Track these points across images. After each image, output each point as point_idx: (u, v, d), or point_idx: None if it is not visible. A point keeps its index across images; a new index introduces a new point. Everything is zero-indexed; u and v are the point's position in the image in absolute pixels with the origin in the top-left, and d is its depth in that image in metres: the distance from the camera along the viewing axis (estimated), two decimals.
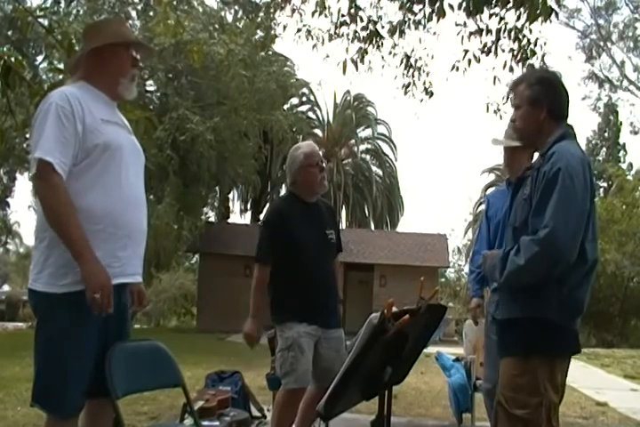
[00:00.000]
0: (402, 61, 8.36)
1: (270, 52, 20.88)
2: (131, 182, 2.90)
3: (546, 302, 2.65)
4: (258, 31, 15.53)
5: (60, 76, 5.46)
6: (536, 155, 4.23)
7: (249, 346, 4.29)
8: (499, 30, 7.23)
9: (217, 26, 20.01)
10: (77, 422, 2.82)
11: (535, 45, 7.27)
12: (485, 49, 7.46)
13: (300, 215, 4.31)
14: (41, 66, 18.82)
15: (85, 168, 2.75)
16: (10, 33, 17.13)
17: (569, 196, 2.59)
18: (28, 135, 19.79)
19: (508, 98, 8.01)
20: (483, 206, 33.68)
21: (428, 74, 8.47)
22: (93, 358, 2.75)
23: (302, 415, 4.19)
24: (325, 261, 4.33)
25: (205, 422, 4.11)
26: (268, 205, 26.89)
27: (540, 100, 2.82)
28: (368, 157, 33.45)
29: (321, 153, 4.50)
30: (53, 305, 2.71)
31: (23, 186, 67.70)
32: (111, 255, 2.76)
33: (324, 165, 4.39)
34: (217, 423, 4.37)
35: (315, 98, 32.54)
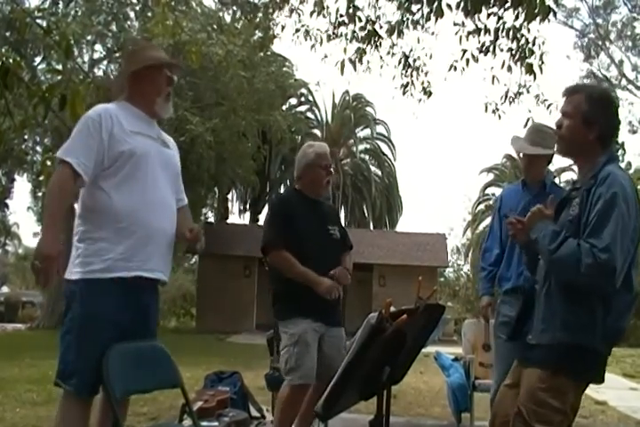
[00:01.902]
0: (400, 61, 8.36)
1: (269, 53, 20.86)
2: (156, 187, 3.19)
3: (591, 331, 2.60)
4: (256, 32, 15.52)
5: (59, 77, 5.46)
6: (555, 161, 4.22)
7: (334, 294, 4.10)
8: (497, 30, 7.22)
9: (215, 26, 20.00)
10: (89, 405, 3.02)
11: (533, 45, 7.27)
12: (484, 49, 7.46)
13: (304, 209, 4.34)
14: (39, 67, 18.84)
15: (113, 172, 3.07)
16: (8, 34, 17.11)
17: (625, 221, 2.55)
18: (26, 137, 19.85)
19: (506, 98, 8.02)
20: (481, 206, 33.55)
21: (426, 74, 8.47)
22: (108, 344, 2.92)
23: (302, 415, 4.19)
24: (329, 256, 4.30)
25: (204, 423, 4.11)
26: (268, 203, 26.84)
27: (595, 122, 2.75)
28: (367, 156, 33.45)
29: (329, 152, 4.53)
30: (79, 290, 3.01)
31: (22, 187, 67.68)
32: (132, 251, 3.06)
33: (331, 169, 4.44)
34: (216, 424, 4.36)
35: (313, 98, 32.59)
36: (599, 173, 2.66)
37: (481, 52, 7.48)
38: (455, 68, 7.74)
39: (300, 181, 4.46)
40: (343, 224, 4.84)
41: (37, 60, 18.94)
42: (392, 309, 2.31)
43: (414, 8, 7.63)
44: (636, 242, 2.65)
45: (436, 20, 7.37)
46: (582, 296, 2.62)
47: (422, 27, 7.88)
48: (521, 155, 4.63)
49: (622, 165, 29.53)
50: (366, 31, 8.00)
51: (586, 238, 2.57)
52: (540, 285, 2.83)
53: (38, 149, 22.02)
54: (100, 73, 21.30)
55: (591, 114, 2.75)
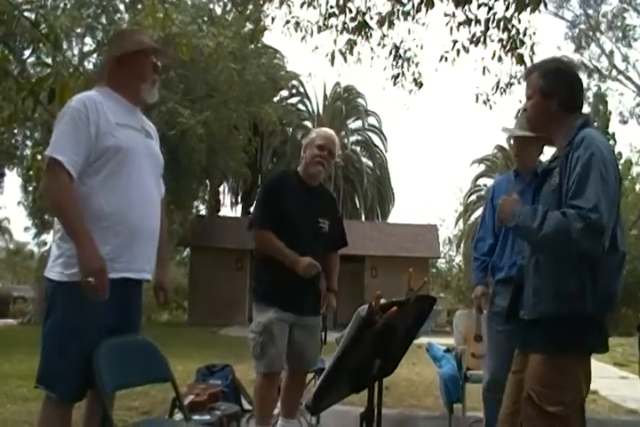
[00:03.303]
0: (391, 52, 8.36)
1: (260, 45, 20.80)
2: (142, 183, 3.07)
3: (581, 298, 2.56)
4: (247, 24, 15.45)
5: (48, 70, 5.42)
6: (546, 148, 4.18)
7: (312, 272, 4.13)
8: (487, 20, 7.24)
9: (206, 18, 19.92)
10: (72, 408, 2.95)
11: (524, 35, 7.29)
12: (474, 39, 7.46)
13: (296, 194, 4.31)
14: (29, 60, 18.71)
15: (98, 168, 2.94)
16: None
17: (607, 180, 2.53)
18: (15, 131, 19.74)
19: (497, 88, 8.03)
20: (473, 197, 33.54)
21: (417, 65, 8.48)
22: (95, 347, 2.84)
23: (284, 401, 4.33)
24: (311, 247, 4.26)
25: (196, 417, 4.09)
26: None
27: (552, 91, 2.75)
28: (358, 148, 33.46)
29: (337, 146, 4.46)
30: (61, 293, 2.89)
31: (12, 182, 67.41)
32: (119, 251, 2.94)
33: (326, 152, 4.35)
34: (207, 417, 4.35)
35: (305, 90, 32.56)
36: (575, 138, 2.66)
37: (472, 42, 7.48)
38: (446, 59, 7.76)
39: (302, 163, 4.44)
40: None
41: (27, 53, 18.81)
42: (382, 301, 2.30)
43: None
44: (617, 202, 2.63)
45: (427, 10, 7.38)
46: (569, 266, 2.59)
47: (413, 18, 7.88)
48: (512, 142, 4.60)
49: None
50: (357, 22, 7.99)
51: (570, 201, 2.54)
52: (527, 260, 2.80)
53: (28, 143, 21.89)
54: (90, 66, 21.16)
55: (548, 86, 2.77)
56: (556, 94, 2.76)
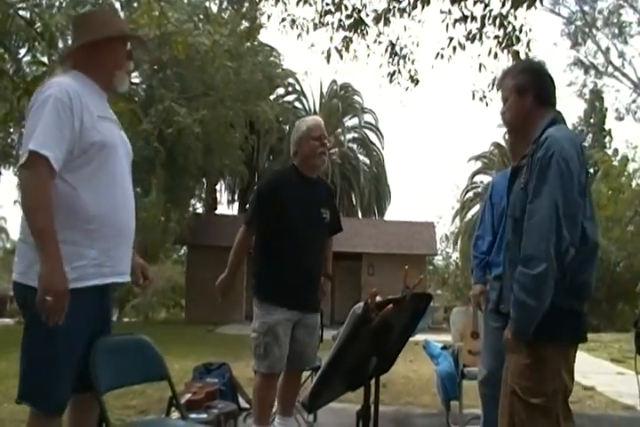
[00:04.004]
0: (387, 49, 8.37)
1: (256, 43, 20.76)
2: (123, 182, 2.90)
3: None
4: (243, 21, 15.44)
5: (44, 69, 5.42)
6: None
7: (221, 296, 4.39)
8: (483, 17, 7.24)
9: (202, 16, 19.87)
10: (61, 419, 2.80)
11: (520, 32, 7.30)
12: (470, 36, 7.47)
13: (296, 189, 4.30)
14: (25, 59, 18.67)
15: (80, 165, 2.71)
16: None
17: (565, 179, 2.56)
18: (11, 130, 19.70)
19: (493, 85, 8.02)
20: (470, 194, 33.55)
21: (413, 62, 8.50)
22: (80, 355, 2.73)
23: (279, 398, 4.31)
24: (315, 239, 4.30)
25: (193, 415, 4.08)
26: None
27: (526, 87, 2.81)
28: (355, 145, 33.43)
29: (325, 131, 4.47)
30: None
31: (8, 181, 67.34)
32: (105, 254, 2.76)
33: (325, 140, 4.37)
34: (204, 416, 4.34)
35: (301, 88, 32.56)
36: (540, 138, 2.69)
37: (467, 39, 7.49)
38: (442, 56, 7.75)
39: (296, 157, 4.41)
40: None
41: (22, 52, 18.77)
42: (378, 298, 2.30)
43: None
44: (584, 196, 2.66)
45: (423, 7, 7.39)
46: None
47: (409, 15, 7.89)
48: (506, 137, 4.61)
49: (609, 151, 29.20)
50: (352, 19, 8.00)
51: (528, 205, 2.61)
52: (503, 254, 2.85)
53: None
54: None
55: (521, 84, 2.84)
56: (530, 89, 2.82)
